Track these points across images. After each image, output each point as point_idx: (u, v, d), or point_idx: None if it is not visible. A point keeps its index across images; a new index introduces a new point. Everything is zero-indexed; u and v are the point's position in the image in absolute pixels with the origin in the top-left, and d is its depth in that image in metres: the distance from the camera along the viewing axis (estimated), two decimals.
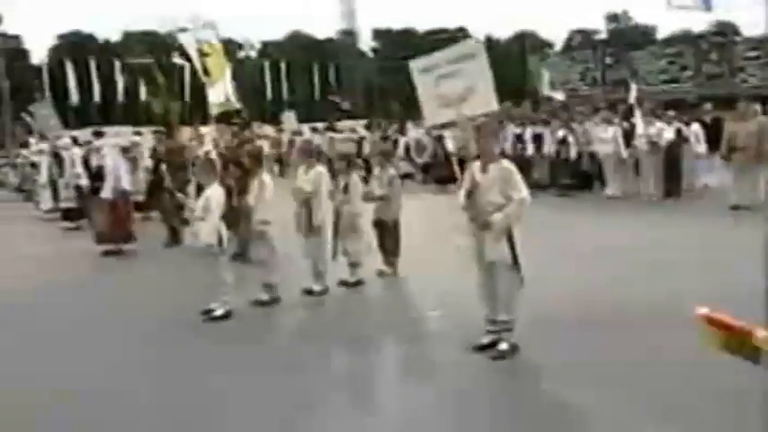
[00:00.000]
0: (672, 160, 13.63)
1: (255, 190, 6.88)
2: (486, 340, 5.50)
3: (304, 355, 5.75)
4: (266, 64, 51.99)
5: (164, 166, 10.17)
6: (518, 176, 5.27)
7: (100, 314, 7.25)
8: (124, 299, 7.93)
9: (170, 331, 6.50)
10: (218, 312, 6.68)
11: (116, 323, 6.88)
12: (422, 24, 65.16)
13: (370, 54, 66.17)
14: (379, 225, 8.01)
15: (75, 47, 52.27)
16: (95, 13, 77.63)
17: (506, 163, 5.40)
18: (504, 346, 5.40)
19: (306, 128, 24.92)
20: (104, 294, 8.24)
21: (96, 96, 46.33)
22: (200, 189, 10.62)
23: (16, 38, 50.19)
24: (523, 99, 55.74)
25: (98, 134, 14.14)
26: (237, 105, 9.40)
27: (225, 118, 9.40)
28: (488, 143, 5.34)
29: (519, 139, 16.07)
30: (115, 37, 56.83)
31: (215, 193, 6.56)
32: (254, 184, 6.89)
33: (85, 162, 13.68)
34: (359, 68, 57.74)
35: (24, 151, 22.24)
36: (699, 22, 53.96)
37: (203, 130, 11.55)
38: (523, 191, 5.22)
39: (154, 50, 53.53)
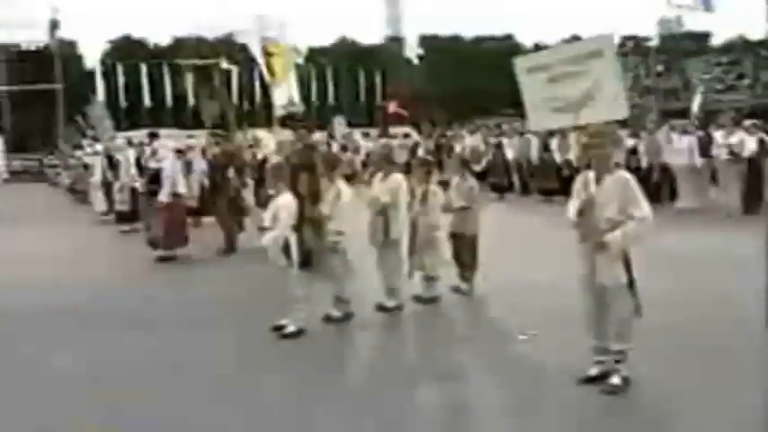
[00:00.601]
0: (754, 172, 12.77)
1: (331, 198, 6.37)
2: (594, 372, 4.89)
3: (383, 383, 5.22)
4: (312, 70, 51.93)
5: (230, 172, 9.79)
6: (639, 191, 4.66)
7: (164, 328, 6.83)
8: (187, 311, 7.50)
9: (245, 349, 6.03)
10: (291, 329, 6.19)
11: (184, 339, 6.43)
12: (469, 31, 64.35)
13: (416, 61, 65.69)
14: (457, 238, 7.44)
15: (126, 51, 52.95)
16: (146, 19, 78.86)
17: (624, 174, 4.79)
18: (616, 379, 4.79)
19: (357, 133, 24.51)
20: (165, 303, 7.83)
21: (146, 99, 46.85)
22: (257, 194, 10.34)
23: (71, 43, 51.03)
24: None
25: (153, 136, 13.89)
26: (300, 108, 8.94)
27: (289, 121, 8.97)
28: (606, 151, 4.74)
29: None
30: (165, 42, 57.40)
31: (285, 202, 6.07)
32: (330, 192, 6.38)
33: (138, 164, 13.48)
34: (404, 75, 57.28)
35: (78, 152, 22.28)
36: (755, 29, 52.10)
37: (261, 133, 11.18)
38: (645, 208, 4.61)
39: (202, 55, 53.96)
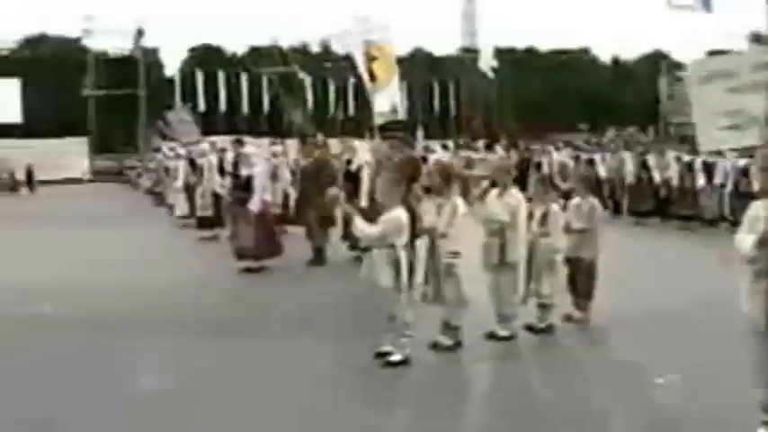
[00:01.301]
0: None
1: (446, 215, 5.79)
2: None
3: (509, 427, 4.60)
4: None
5: (341, 180, 9.36)
6: None
7: (250, 342, 6.38)
8: (272, 325, 7.05)
9: (343, 377, 5.51)
10: (396, 358, 5.62)
11: (273, 357, 5.96)
12: (545, 44, 62.94)
13: (490, 73, 64.77)
14: (574, 263, 6.73)
15: (204, 59, 54.03)
16: (224, 28, 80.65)
17: None
18: None
19: (437, 146, 23.94)
20: (249, 316, 7.41)
21: (222, 106, 47.61)
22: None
23: (154, 51, 52.39)
24: (655, 124, 52.62)
25: (239, 142, 13.61)
26: (402, 116, 8.41)
27: (391, 129, 8.47)
28: None
29: (688, 167, 14.33)
30: (242, 50, 58.34)
31: (397, 217, 5.51)
32: (446, 208, 5.80)
33: (221, 169, 13.27)
34: (479, 87, 56.53)
35: (159, 155, 22.49)
36: None
37: (356, 142, 10.77)
38: None
39: (276, 64, 54.62)
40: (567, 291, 6.78)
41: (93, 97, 47.51)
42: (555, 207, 6.47)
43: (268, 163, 9.69)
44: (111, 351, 6.18)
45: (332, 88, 52.09)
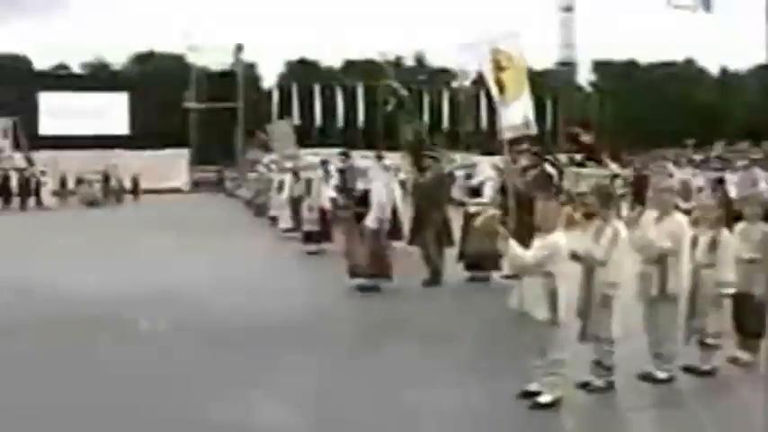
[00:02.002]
0: None
1: (605, 241, 5.15)
2: None
3: None
4: (482, 93, 50.97)
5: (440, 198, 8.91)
6: None
7: (368, 362, 5.92)
8: (391, 348, 6.56)
9: (492, 420, 4.96)
10: (546, 399, 5.02)
11: (396, 385, 5.46)
12: (646, 56, 60.40)
13: (588, 87, 62.85)
14: (741, 298, 5.91)
15: (300, 73, 54.95)
16: (320, 42, 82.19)
17: None
18: None
19: None
20: (365, 336, 6.96)
21: (318, 119, 48.18)
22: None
23: (252, 65, 53.75)
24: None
25: (345, 155, 13.39)
26: (534, 131, 7.81)
27: (527, 145, 7.92)
28: None
29: None
30: (337, 65, 58.99)
31: (557, 242, 4.92)
32: (605, 232, 5.15)
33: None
34: (576, 101, 54.89)
35: (261, 167, 22.66)
36: None
37: (476, 157, 10.27)
38: None
39: (371, 78, 54.91)
40: (733, 329, 5.98)
41: (195, 110, 49.17)
42: (726, 234, 5.69)
43: (386, 176, 9.25)
44: (236, 369, 5.87)
45: (426, 101, 51.76)
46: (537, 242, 5.02)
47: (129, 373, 5.87)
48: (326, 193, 12.86)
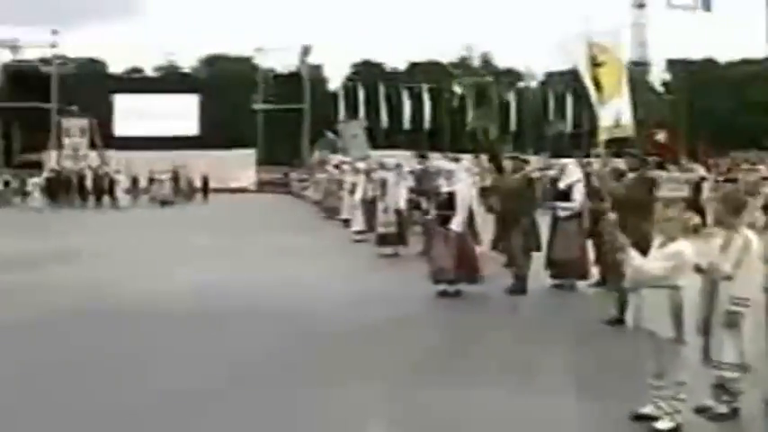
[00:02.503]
0: None
1: (734, 252, 4.66)
2: None
3: None
4: (550, 94, 49.99)
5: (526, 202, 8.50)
6: None
7: (482, 396, 5.57)
8: (481, 361, 6.19)
9: None
10: (667, 425, 4.56)
11: (520, 417, 5.10)
12: (724, 55, 57.87)
13: (660, 87, 60.78)
14: None
15: (365, 74, 55.00)
16: (385, 44, 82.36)
17: None
18: None
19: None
20: (469, 358, 6.61)
21: (383, 120, 48.15)
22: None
23: (317, 67, 54.15)
24: None
25: (422, 156, 13.10)
26: (631, 132, 7.33)
27: (624, 146, 7.44)
28: None
29: None
30: (402, 66, 58.82)
31: (683, 251, 4.48)
32: (734, 243, 4.68)
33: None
34: (650, 101, 53.12)
35: (330, 168, 22.59)
36: None
37: (564, 160, 9.83)
38: None
39: (435, 79, 54.56)
40: None
41: (262, 112, 49.86)
42: None
43: (469, 178, 8.90)
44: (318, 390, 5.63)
45: (494, 100, 51.12)
46: (656, 252, 4.59)
47: (236, 373, 5.71)
48: (402, 195, 12.58)
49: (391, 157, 16.07)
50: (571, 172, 9.15)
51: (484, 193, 11.18)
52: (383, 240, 12.70)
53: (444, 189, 8.63)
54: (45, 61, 50.85)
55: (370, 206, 14.61)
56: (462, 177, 8.84)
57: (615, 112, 7.31)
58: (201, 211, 27.86)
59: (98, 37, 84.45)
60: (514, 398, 5.26)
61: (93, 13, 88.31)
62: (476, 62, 60.14)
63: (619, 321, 7.05)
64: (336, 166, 21.00)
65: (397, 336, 7.07)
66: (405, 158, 15.45)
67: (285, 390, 5.40)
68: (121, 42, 71.45)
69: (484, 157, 13.72)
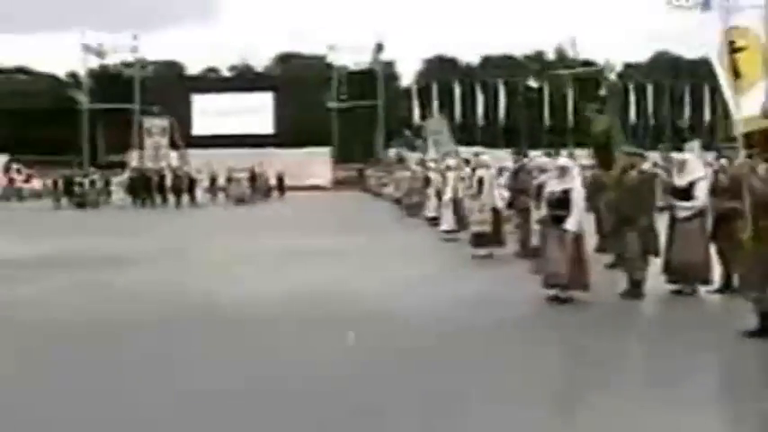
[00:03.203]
0: None
1: None
2: None
3: None
4: (631, 86, 48.26)
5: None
6: None
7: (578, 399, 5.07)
8: (647, 393, 5.66)
9: None
10: None
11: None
12: None
13: None
14: None
15: (439, 70, 54.48)
16: (458, 39, 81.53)
17: None
18: None
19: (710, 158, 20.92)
20: (565, 359, 6.10)
21: (457, 116, 47.54)
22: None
23: (390, 63, 53.97)
24: None
25: (518, 153, 12.59)
26: None
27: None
28: None
29: None
30: (475, 61, 57.98)
31: None
32: None
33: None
34: None
35: (413, 165, 22.22)
36: None
37: (686, 154, 9.14)
38: None
39: (510, 74, 53.53)
40: None
41: (336, 109, 50.01)
42: None
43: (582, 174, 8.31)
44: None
45: (569, 95, 49.75)
46: None
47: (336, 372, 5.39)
48: (499, 193, 12.06)
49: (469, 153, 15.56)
50: (692, 168, 8.46)
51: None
52: (478, 240, 12.19)
53: (557, 187, 8.09)
54: (127, 65, 52.58)
55: (459, 204, 14.19)
56: (576, 174, 8.27)
57: (756, 101, 6.61)
58: (280, 210, 27.92)
59: (175, 39, 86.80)
60: (670, 411, 4.73)
61: (170, 16, 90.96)
62: (551, 56, 58.67)
63: (762, 332, 6.41)
64: (421, 163, 20.59)
65: (518, 344, 6.60)
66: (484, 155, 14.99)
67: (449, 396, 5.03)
68: (197, 43, 73.29)
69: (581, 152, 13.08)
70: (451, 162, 15.02)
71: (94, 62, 51.77)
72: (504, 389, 5.25)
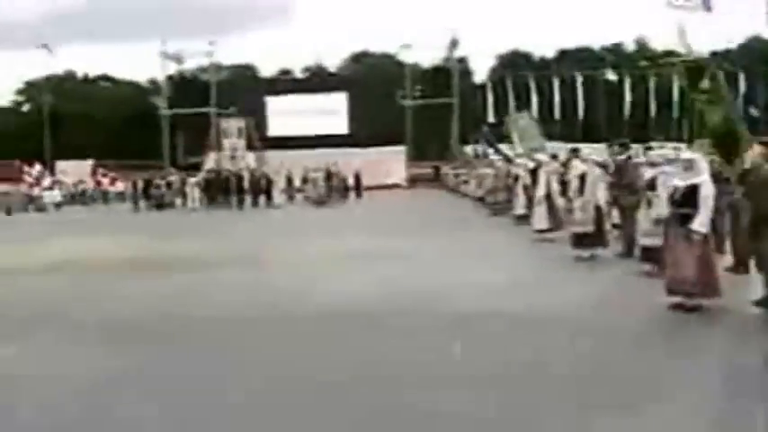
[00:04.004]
0: None
1: None
2: None
3: None
4: (720, 75, 45.79)
5: None
6: None
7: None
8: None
9: None
10: None
11: None
12: None
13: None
14: None
15: (513, 65, 53.34)
16: (532, 33, 79.88)
17: None
18: None
19: None
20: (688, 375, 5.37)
21: (534, 111, 46.32)
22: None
23: (462, 59, 53.22)
24: None
25: (623, 146, 11.79)
26: None
27: None
28: None
29: None
30: (550, 54, 56.52)
31: None
32: None
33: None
34: None
35: (499, 162, 21.45)
36: None
37: None
38: None
39: (587, 66, 51.86)
40: None
41: (410, 107, 49.61)
42: None
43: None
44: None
45: (651, 87, 47.75)
46: None
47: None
48: (602, 191, 11.28)
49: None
50: None
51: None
52: (579, 241, 11.43)
53: (682, 182, 7.33)
54: (203, 70, 53.74)
55: (554, 202, 13.50)
56: (705, 168, 7.48)
57: None
58: (359, 210, 27.64)
59: (249, 43, 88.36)
60: None
61: (245, 21, 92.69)
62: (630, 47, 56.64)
63: None
64: (508, 160, 19.88)
65: (664, 357, 5.94)
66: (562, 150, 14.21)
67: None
68: (271, 46, 74.32)
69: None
70: (542, 157, 14.30)
71: (173, 68, 53.10)
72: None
